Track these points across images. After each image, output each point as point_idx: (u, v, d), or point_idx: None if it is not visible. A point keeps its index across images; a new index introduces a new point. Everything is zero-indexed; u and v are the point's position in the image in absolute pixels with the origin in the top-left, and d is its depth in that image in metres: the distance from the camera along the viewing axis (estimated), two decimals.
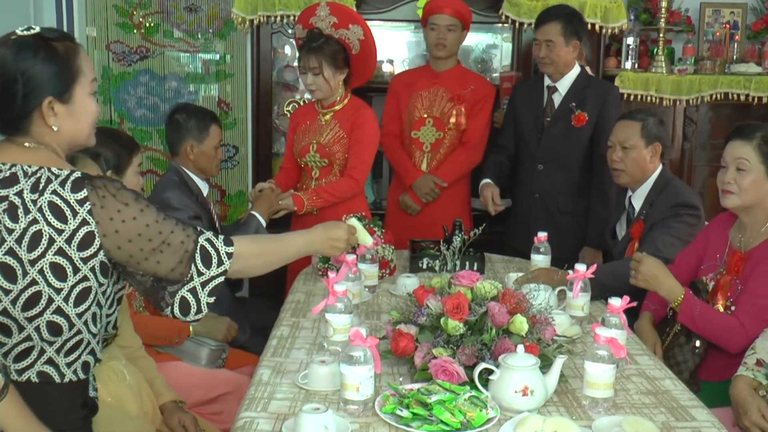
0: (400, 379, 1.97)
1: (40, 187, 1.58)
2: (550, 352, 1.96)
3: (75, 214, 1.57)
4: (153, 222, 1.62)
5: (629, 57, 4.39)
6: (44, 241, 1.57)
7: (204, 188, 3.18)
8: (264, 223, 3.21)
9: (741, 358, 2.28)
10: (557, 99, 3.57)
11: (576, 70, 3.56)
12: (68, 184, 1.58)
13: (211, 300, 1.70)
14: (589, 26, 4.04)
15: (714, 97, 4.31)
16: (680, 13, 4.58)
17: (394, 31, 4.62)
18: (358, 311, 2.46)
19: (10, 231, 1.57)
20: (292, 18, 4.03)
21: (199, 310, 1.69)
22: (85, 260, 1.59)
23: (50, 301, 1.60)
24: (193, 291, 1.68)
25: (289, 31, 4.26)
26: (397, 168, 3.82)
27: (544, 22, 3.46)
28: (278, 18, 4.09)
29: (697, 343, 2.40)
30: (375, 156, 3.47)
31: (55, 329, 1.62)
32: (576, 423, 1.66)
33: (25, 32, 1.63)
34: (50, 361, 1.65)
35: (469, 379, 1.84)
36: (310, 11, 3.36)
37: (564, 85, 3.55)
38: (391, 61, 4.62)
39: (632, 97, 4.22)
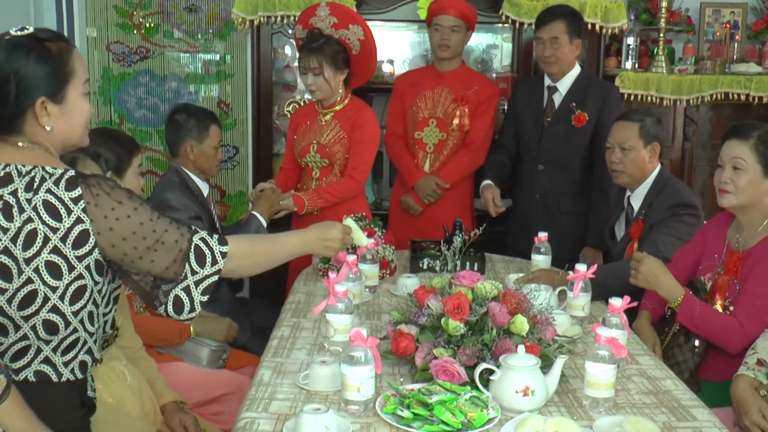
0: (401, 379, 1.97)
1: (35, 186, 1.58)
2: (551, 353, 1.96)
3: (69, 212, 1.58)
4: (147, 220, 1.63)
5: (629, 57, 4.39)
6: (39, 240, 1.57)
7: (204, 189, 3.18)
8: (265, 224, 3.21)
9: (741, 357, 2.28)
10: (557, 99, 3.57)
11: (576, 70, 3.56)
12: (62, 183, 1.59)
13: (205, 299, 1.71)
14: (590, 26, 4.05)
15: (714, 97, 4.31)
16: (680, 13, 4.58)
17: (394, 31, 4.62)
18: (358, 311, 2.46)
19: (5, 230, 1.57)
20: (292, 18, 4.03)
21: (192, 309, 1.70)
22: (80, 258, 1.60)
23: (46, 299, 1.60)
24: (187, 290, 1.68)
25: (290, 31, 4.26)
26: (400, 168, 3.81)
27: (549, 21, 3.46)
28: (278, 18, 4.09)
29: (696, 343, 2.40)
30: (375, 156, 3.47)
31: (51, 328, 1.62)
32: (577, 423, 1.66)
33: (19, 32, 1.63)
34: (47, 360, 1.65)
35: (470, 379, 1.84)
36: (310, 12, 3.36)
37: (564, 85, 3.55)
38: (391, 62, 4.62)
39: (632, 97, 4.22)
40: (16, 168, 1.60)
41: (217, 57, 4.89)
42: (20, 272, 1.58)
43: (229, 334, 2.87)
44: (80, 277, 1.61)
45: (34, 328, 1.62)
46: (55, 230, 1.57)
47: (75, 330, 1.65)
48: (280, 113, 4.49)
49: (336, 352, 2.05)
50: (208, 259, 1.69)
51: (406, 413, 1.70)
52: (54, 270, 1.59)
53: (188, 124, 3.11)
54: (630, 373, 2.07)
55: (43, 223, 1.57)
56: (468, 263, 2.94)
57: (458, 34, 3.62)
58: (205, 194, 3.19)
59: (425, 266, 3.02)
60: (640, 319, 2.61)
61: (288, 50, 4.56)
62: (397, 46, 4.67)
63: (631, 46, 4.38)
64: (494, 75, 4.52)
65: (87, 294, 1.64)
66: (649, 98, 4.24)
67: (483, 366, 1.83)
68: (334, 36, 3.30)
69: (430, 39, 3.71)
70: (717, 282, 2.44)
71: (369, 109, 3.42)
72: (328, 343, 2.12)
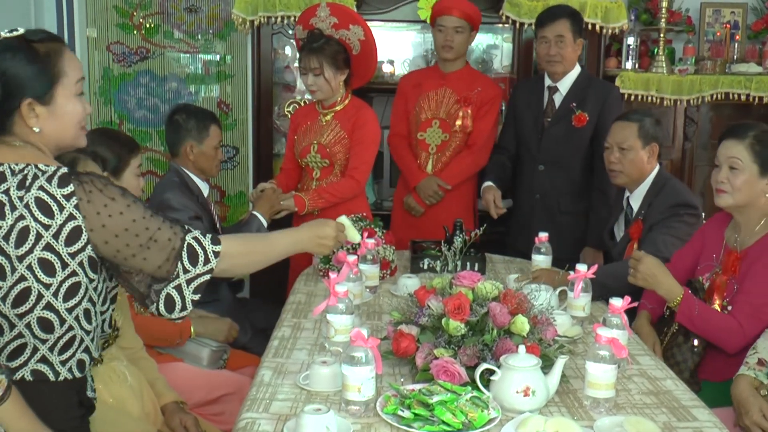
0: (402, 379, 1.97)
1: (27, 184, 1.58)
2: (552, 353, 1.96)
3: (62, 209, 1.58)
4: (140, 218, 1.63)
5: (630, 57, 4.39)
6: (32, 237, 1.58)
7: (204, 189, 3.18)
8: (265, 224, 3.21)
9: (740, 357, 2.29)
10: (558, 99, 3.57)
11: (577, 70, 3.56)
12: (55, 180, 1.59)
13: (196, 297, 1.70)
14: (590, 26, 4.05)
15: (715, 97, 4.31)
16: (681, 13, 4.58)
17: (394, 31, 4.62)
18: (359, 312, 2.46)
19: None
20: (292, 19, 4.04)
21: (183, 308, 1.70)
22: (72, 255, 1.60)
23: (40, 296, 1.61)
24: (179, 288, 1.68)
25: (290, 31, 4.26)
26: (403, 169, 3.81)
27: (553, 19, 3.45)
28: (279, 19, 4.09)
29: (696, 342, 2.40)
30: (376, 156, 3.47)
31: (46, 326, 1.63)
32: (577, 423, 1.66)
33: (8, 34, 1.63)
34: (44, 359, 1.65)
35: (471, 379, 1.84)
36: (311, 12, 3.36)
37: (565, 85, 3.55)
38: (391, 62, 4.62)
39: (633, 98, 4.22)
40: (9, 167, 1.61)
41: (218, 57, 4.89)
42: (13, 270, 1.58)
43: (230, 335, 2.88)
44: (74, 274, 1.62)
45: (29, 326, 1.62)
46: (47, 227, 1.58)
47: (71, 328, 1.65)
48: (281, 113, 4.49)
49: (337, 353, 2.05)
50: (201, 258, 1.69)
51: (406, 413, 1.70)
52: (47, 267, 1.59)
53: (188, 125, 3.11)
54: (630, 374, 2.07)
55: (35, 220, 1.57)
56: (468, 263, 2.93)
57: (462, 35, 3.61)
58: (206, 194, 3.19)
59: (426, 266, 3.02)
60: (639, 319, 2.61)
61: (288, 51, 4.56)
62: (397, 47, 4.68)
63: (631, 47, 4.39)
64: (492, 76, 4.52)
65: (81, 291, 1.64)
66: (649, 98, 4.24)
67: (484, 366, 1.83)
68: (334, 36, 3.30)
69: (434, 40, 3.70)
70: (715, 282, 2.44)
71: (369, 110, 3.42)
72: (328, 344, 2.12)
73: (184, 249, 1.68)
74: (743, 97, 4.29)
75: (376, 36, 3.39)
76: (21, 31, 1.64)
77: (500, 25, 4.32)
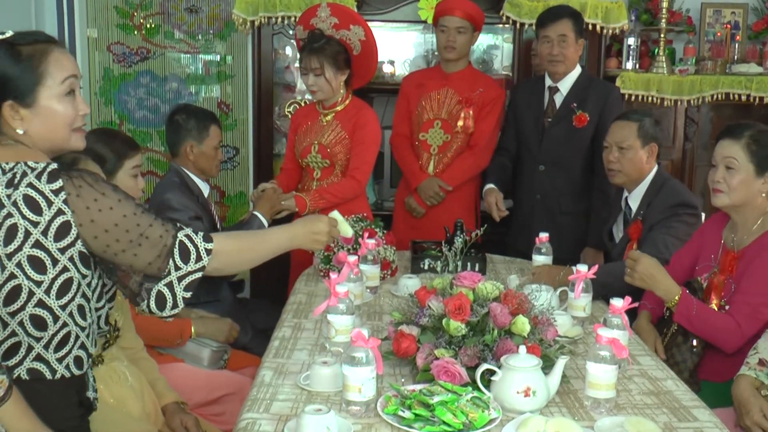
0: (402, 380, 1.97)
1: (15, 182, 1.58)
2: (552, 353, 1.96)
3: (50, 204, 1.58)
4: (131, 213, 1.63)
5: (630, 57, 4.39)
6: (20, 235, 1.58)
7: (205, 189, 3.18)
8: (266, 224, 3.20)
9: (739, 357, 2.29)
10: (558, 99, 3.57)
11: (577, 70, 3.56)
12: (44, 176, 1.59)
13: (188, 295, 1.70)
14: (590, 27, 4.05)
15: (715, 97, 4.31)
16: (681, 14, 4.59)
17: (395, 31, 4.62)
18: (359, 312, 2.46)
19: None
20: (293, 19, 4.04)
21: (175, 305, 1.69)
22: (62, 250, 1.60)
23: (31, 294, 1.61)
24: (170, 285, 1.68)
25: (290, 32, 4.26)
26: (404, 170, 3.80)
27: (556, 19, 3.45)
28: (279, 19, 4.09)
29: (695, 343, 2.41)
30: (376, 157, 3.46)
31: (38, 323, 1.63)
32: (578, 424, 1.66)
33: None
34: (39, 358, 1.65)
35: (471, 380, 1.84)
36: (311, 12, 3.36)
37: (565, 85, 3.55)
38: (392, 62, 4.62)
39: (633, 98, 4.22)
40: (0, 166, 1.61)
41: (218, 58, 4.90)
42: (3, 268, 1.59)
43: (230, 335, 2.87)
44: (65, 270, 1.62)
45: (21, 324, 1.62)
46: (35, 224, 1.58)
47: (65, 324, 1.65)
48: (281, 114, 4.50)
49: (337, 353, 2.05)
50: (193, 256, 1.69)
51: (407, 414, 1.70)
52: (37, 264, 1.59)
53: (188, 125, 3.11)
54: (631, 374, 2.07)
55: (24, 217, 1.57)
56: (469, 264, 2.93)
57: (464, 36, 3.60)
58: (206, 195, 3.18)
59: (426, 267, 3.02)
60: (640, 319, 2.61)
61: (289, 51, 4.56)
62: (397, 47, 4.68)
63: (631, 47, 4.39)
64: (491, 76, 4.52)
65: (74, 287, 1.64)
66: (649, 99, 4.25)
67: (484, 367, 1.83)
68: (335, 36, 3.30)
69: (437, 40, 3.70)
70: (712, 282, 2.44)
71: (370, 110, 3.42)
72: (329, 344, 2.12)
73: (176, 246, 1.67)
74: (744, 98, 4.29)
75: (376, 36, 3.39)
76: (8, 33, 1.64)
77: (500, 26, 4.32)
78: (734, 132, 2.41)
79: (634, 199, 3.02)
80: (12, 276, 1.59)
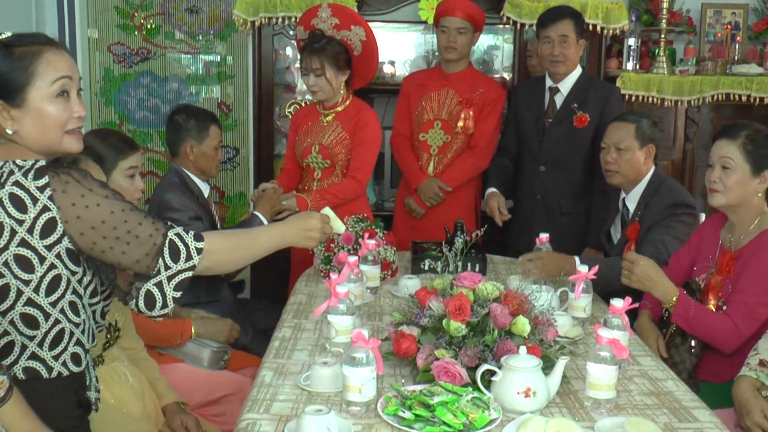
0: (403, 380, 1.97)
1: (2, 180, 1.58)
2: (553, 354, 1.96)
3: (35, 201, 1.57)
4: (118, 210, 1.62)
5: (631, 58, 4.39)
6: (6, 234, 1.57)
7: (205, 189, 3.18)
8: (266, 224, 3.20)
9: (737, 358, 2.30)
10: (559, 100, 3.56)
11: (578, 70, 3.56)
12: (31, 173, 1.59)
13: (178, 295, 1.69)
14: (591, 27, 4.05)
15: (715, 97, 4.31)
16: (681, 14, 4.59)
17: (395, 32, 4.62)
18: (360, 313, 2.46)
19: None
20: (293, 19, 4.04)
21: (164, 305, 1.68)
22: (49, 248, 1.60)
23: (20, 293, 1.61)
24: (159, 285, 1.67)
25: (291, 32, 4.26)
26: (404, 170, 3.80)
27: (557, 19, 3.45)
28: (279, 19, 4.09)
29: (693, 343, 2.41)
30: (377, 157, 3.46)
31: (30, 322, 1.63)
32: (578, 424, 1.66)
33: None
34: (34, 356, 1.65)
35: (472, 380, 1.84)
36: (312, 13, 3.36)
37: (566, 86, 3.55)
38: (392, 63, 4.62)
39: (633, 98, 4.22)
40: None
41: (218, 58, 4.89)
42: None
43: (231, 336, 2.87)
44: (53, 267, 1.61)
45: (12, 323, 1.62)
46: (21, 222, 1.57)
47: (57, 322, 1.65)
48: (282, 114, 4.50)
49: (337, 353, 2.05)
50: (183, 255, 1.68)
51: (407, 414, 1.70)
52: (24, 263, 1.59)
53: (188, 125, 3.11)
54: (631, 374, 2.07)
55: (9, 216, 1.57)
56: (469, 264, 2.93)
57: (465, 36, 3.60)
58: (206, 195, 3.18)
59: (426, 267, 3.02)
60: (641, 318, 2.61)
61: (289, 51, 4.56)
62: (398, 47, 4.68)
63: (632, 47, 4.39)
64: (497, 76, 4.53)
65: (63, 284, 1.64)
66: (650, 99, 4.25)
67: (484, 367, 1.83)
68: (335, 37, 3.30)
69: (437, 40, 3.70)
70: (710, 282, 2.45)
71: (371, 110, 3.42)
72: (329, 344, 2.12)
73: (166, 245, 1.66)
74: (744, 98, 4.30)
75: (376, 37, 3.39)
76: (6, 35, 1.64)
77: (501, 26, 4.32)
78: (730, 132, 2.42)
79: (632, 200, 3.02)
80: (0, 275, 1.59)
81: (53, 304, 1.63)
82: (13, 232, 1.58)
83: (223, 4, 4.82)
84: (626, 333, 2.05)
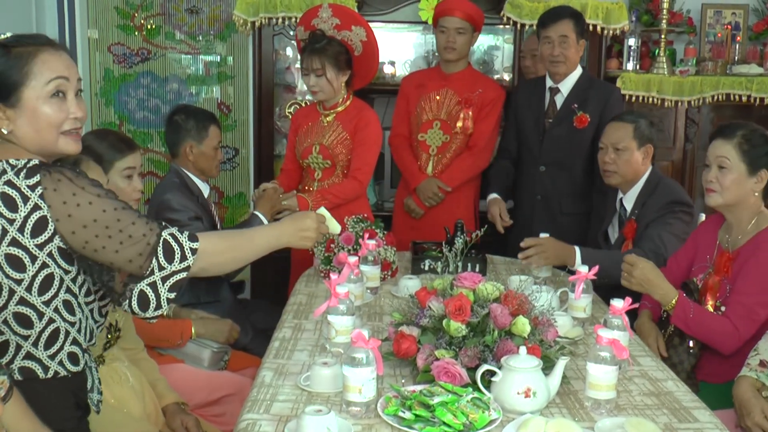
0: (403, 380, 1.97)
1: None
2: (553, 354, 1.96)
3: (26, 200, 1.57)
4: (111, 209, 1.61)
5: (631, 58, 4.39)
6: None
7: (205, 190, 3.18)
8: (266, 224, 3.20)
9: (736, 358, 2.30)
10: (559, 100, 3.56)
11: (578, 71, 3.56)
12: (23, 172, 1.59)
13: (172, 296, 1.67)
14: (591, 27, 4.05)
15: (715, 98, 4.31)
16: (682, 14, 4.59)
17: (395, 32, 4.62)
18: (360, 313, 2.46)
19: None
20: (293, 20, 4.04)
21: (158, 306, 1.67)
22: (40, 246, 1.59)
23: (12, 292, 1.61)
24: (153, 285, 1.65)
25: (291, 33, 4.26)
26: (403, 170, 3.80)
27: (557, 19, 3.44)
28: (280, 20, 4.09)
29: (691, 344, 2.42)
30: (378, 157, 3.46)
31: (23, 321, 1.63)
32: (578, 424, 1.66)
33: None
34: (30, 356, 1.65)
35: (472, 380, 1.84)
36: (313, 13, 3.36)
37: (566, 86, 3.55)
38: (392, 63, 4.62)
39: (634, 99, 4.22)
40: None
41: (219, 58, 4.90)
42: None
43: (231, 336, 2.87)
44: (45, 266, 1.61)
45: (6, 322, 1.62)
46: (11, 221, 1.57)
47: (51, 321, 1.65)
48: (282, 115, 4.50)
49: (337, 354, 2.05)
50: (177, 255, 1.67)
51: (407, 415, 1.70)
52: (15, 263, 1.59)
53: (187, 125, 3.11)
54: (631, 375, 2.07)
55: (0, 215, 1.57)
56: (469, 264, 2.93)
57: (464, 36, 3.60)
58: (206, 195, 3.18)
59: (427, 268, 3.02)
60: (641, 318, 2.62)
61: (289, 52, 4.56)
62: (398, 48, 4.68)
63: (632, 48, 4.39)
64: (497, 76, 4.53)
65: (56, 283, 1.63)
66: (650, 99, 4.25)
67: (484, 367, 1.83)
68: (336, 37, 3.30)
69: (436, 41, 3.69)
70: (707, 282, 2.45)
71: (371, 110, 3.42)
72: (329, 345, 2.12)
73: (160, 245, 1.65)
74: (744, 98, 4.29)
75: (377, 37, 3.39)
76: (6, 35, 1.64)
77: (501, 26, 4.32)
78: (726, 132, 2.43)
79: (629, 200, 3.03)
80: None
81: (47, 303, 1.63)
82: (4, 231, 1.57)
83: (223, 4, 4.82)
84: (626, 333, 2.05)
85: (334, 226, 2.13)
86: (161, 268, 1.65)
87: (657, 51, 4.42)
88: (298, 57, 3.73)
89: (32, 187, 1.57)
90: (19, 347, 1.64)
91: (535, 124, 3.61)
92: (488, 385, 1.82)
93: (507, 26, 4.22)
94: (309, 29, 3.35)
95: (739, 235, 2.45)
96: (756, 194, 2.40)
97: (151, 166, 4.94)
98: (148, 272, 1.65)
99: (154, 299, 1.66)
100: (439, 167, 3.70)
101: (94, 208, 1.59)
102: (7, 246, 1.58)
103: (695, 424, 1.79)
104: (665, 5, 4.30)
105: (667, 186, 2.96)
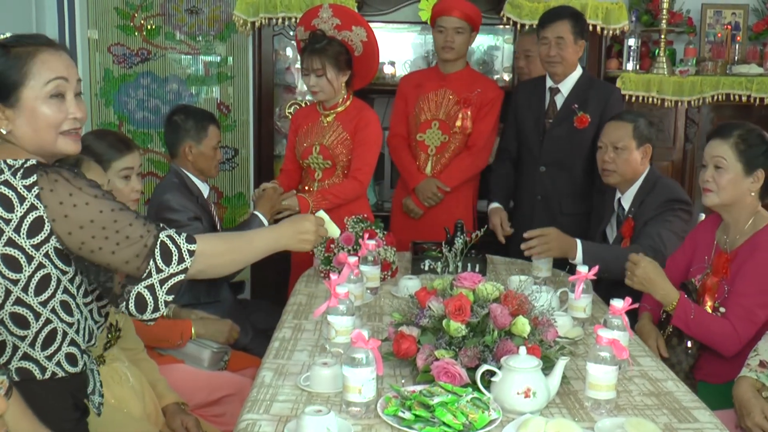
0: (403, 381, 1.97)
1: None
2: (552, 354, 1.96)
3: (22, 200, 1.57)
4: (108, 210, 1.61)
5: (631, 58, 4.40)
6: None
7: (204, 190, 3.18)
8: (266, 224, 3.20)
9: (735, 359, 2.30)
10: (559, 100, 3.56)
11: (578, 71, 3.55)
12: (20, 172, 1.58)
13: (170, 298, 1.67)
14: (591, 27, 4.04)
15: (715, 98, 4.31)
16: (681, 14, 4.59)
17: (395, 32, 4.63)
18: (360, 313, 2.46)
19: None
20: (293, 20, 4.04)
21: (156, 308, 1.66)
22: (36, 247, 1.59)
23: (8, 292, 1.60)
24: (151, 288, 1.65)
25: (291, 33, 4.26)
26: (401, 170, 3.80)
27: (554, 20, 3.44)
28: (279, 20, 4.09)
29: (689, 344, 2.42)
30: (378, 157, 3.46)
31: (20, 321, 1.62)
32: (578, 425, 1.66)
33: None
34: (27, 357, 1.65)
35: (472, 380, 1.84)
36: (313, 13, 3.36)
37: (566, 86, 3.54)
38: (392, 63, 4.63)
39: (634, 99, 4.22)
40: None
41: (218, 59, 4.90)
42: None
43: (231, 336, 2.87)
44: (41, 266, 1.61)
45: (2, 322, 1.62)
46: (7, 222, 1.57)
47: (48, 321, 1.64)
48: (282, 115, 4.50)
49: (337, 354, 2.05)
50: (175, 257, 1.66)
51: (407, 415, 1.70)
52: (12, 263, 1.59)
53: (186, 125, 3.11)
54: (631, 375, 2.07)
55: None
56: (469, 265, 2.93)
57: (462, 36, 3.60)
58: (206, 195, 3.18)
59: (426, 268, 3.02)
60: (642, 320, 2.62)
61: (289, 52, 4.57)
62: (398, 48, 4.68)
63: (632, 48, 4.39)
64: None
65: (53, 283, 1.63)
66: (650, 99, 4.25)
67: (484, 367, 1.83)
68: (336, 37, 3.30)
69: (434, 40, 3.69)
70: (705, 283, 2.45)
71: (371, 111, 3.42)
72: (329, 345, 2.12)
73: (157, 247, 1.64)
74: (744, 98, 4.30)
75: (377, 37, 3.39)
76: (6, 35, 1.64)
77: (501, 27, 4.32)
78: (723, 132, 2.43)
79: (627, 200, 3.04)
80: None
81: (43, 304, 1.63)
82: (0, 232, 1.57)
83: (223, 4, 4.82)
84: (626, 333, 2.05)
85: (333, 230, 2.13)
86: (159, 271, 1.64)
87: (657, 51, 4.42)
88: (298, 57, 3.73)
89: (29, 187, 1.57)
90: (16, 348, 1.64)
91: (535, 124, 3.60)
92: (488, 385, 1.82)
93: (507, 26, 4.22)
94: (309, 29, 3.35)
95: (736, 235, 2.45)
96: (753, 194, 2.40)
97: (151, 166, 4.94)
98: (145, 274, 1.64)
99: (152, 302, 1.65)
100: (438, 167, 3.70)
101: (90, 208, 1.59)
102: (3, 246, 1.58)
103: (695, 424, 1.79)
104: (665, 5, 4.30)
105: (665, 185, 2.97)
